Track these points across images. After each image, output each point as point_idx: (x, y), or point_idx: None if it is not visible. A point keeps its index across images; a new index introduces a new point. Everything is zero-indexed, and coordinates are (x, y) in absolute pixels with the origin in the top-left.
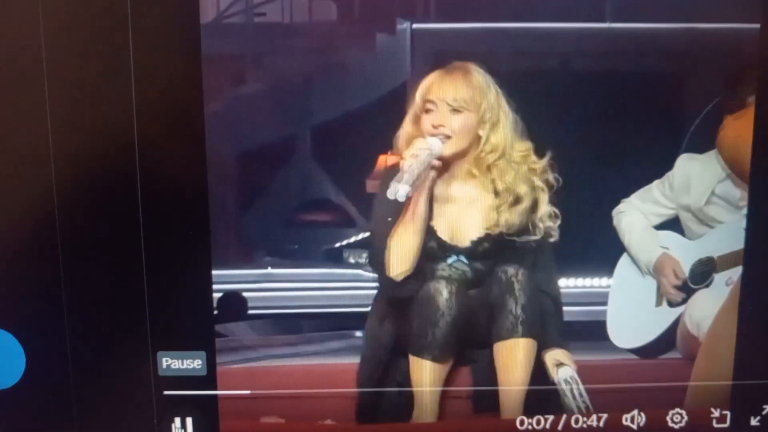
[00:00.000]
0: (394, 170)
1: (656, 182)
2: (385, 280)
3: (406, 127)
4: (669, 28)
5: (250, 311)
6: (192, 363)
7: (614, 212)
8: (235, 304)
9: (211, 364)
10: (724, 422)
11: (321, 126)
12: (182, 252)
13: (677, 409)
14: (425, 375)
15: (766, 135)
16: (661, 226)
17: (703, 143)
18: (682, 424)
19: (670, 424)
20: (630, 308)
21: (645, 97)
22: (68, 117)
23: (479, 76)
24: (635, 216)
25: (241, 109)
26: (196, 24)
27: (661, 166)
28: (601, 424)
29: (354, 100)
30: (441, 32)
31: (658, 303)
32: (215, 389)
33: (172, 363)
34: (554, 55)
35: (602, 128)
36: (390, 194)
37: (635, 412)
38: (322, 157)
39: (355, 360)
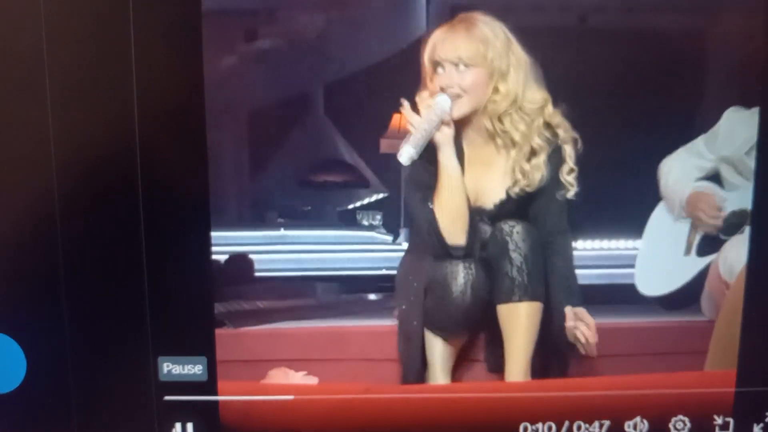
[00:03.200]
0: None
1: (702, 136)
2: (444, 249)
3: (423, 91)
4: None
5: (263, 273)
6: (193, 368)
7: (662, 163)
8: (241, 265)
9: (211, 369)
10: (727, 429)
11: (333, 84)
12: (183, 257)
13: (680, 416)
14: (437, 348)
15: None
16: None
17: (751, 98)
18: (685, 431)
19: (672, 431)
20: (659, 255)
21: (694, 53)
22: (70, 110)
23: (484, 26)
24: (677, 163)
25: (250, 68)
26: None
27: (707, 120)
28: (603, 431)
29: (367, 56)
30: None
31: (687, 252)
32: (216, 394)
33: (172, 368)
34: (582, 10)
35: (645, 87)
36: (400, 158)
37: (638, 419)
38: (335, 116)
39: (367, 323)
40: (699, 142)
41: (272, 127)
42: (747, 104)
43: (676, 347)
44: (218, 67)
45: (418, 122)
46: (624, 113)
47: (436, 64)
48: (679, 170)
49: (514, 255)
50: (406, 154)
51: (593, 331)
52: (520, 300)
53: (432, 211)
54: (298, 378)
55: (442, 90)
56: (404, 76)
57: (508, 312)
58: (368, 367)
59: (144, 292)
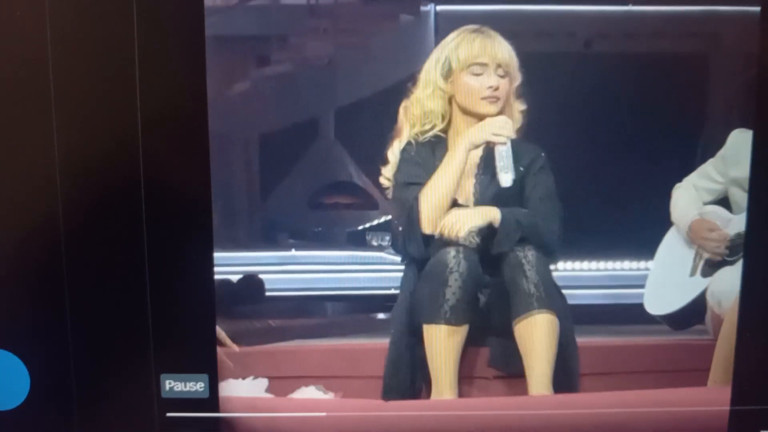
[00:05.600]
0: None
1: (711, 159)
2: (418, 240)
3: (437, 83)
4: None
5: (274, 293)
6: (195, 386)
7: (674, 188)
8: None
9: (213, 386)
10: None
11: (344, 108)
12: (186, 277)
13: None
14: (440, 342)
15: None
16: (711, 203)
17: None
18: None
19: None
20: (667, 275)
21: (695, 79)
22: (74, 125)
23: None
24: (687, 189)
25: (260, 92)
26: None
27: (715, 144)
28: None
29: (377, 82)
30: (464, 14)
31: (693, 272)
32: (217, 411)
33: (175, 385)
34: (582, 37)
35: (648, 110)
36: (505, 183)
37: None
38: (345, 139)
39: (375, 341)
40: (708, 166)
41: (283, 150)
42: (751, 125)
43: (679, 365)
44: (228, 91)
45: (504, 138)
46: (633, 140)
47: (476, 66)
48: (688, 196)
49: (529, 272)
50: (509, 179)
51: None
52: (538, 310)
53: (416, 201)
54: (315, 392)
55: (490, 89)
56: None
57: (525, 325)
58: (376, 384)
59: (147, 311)
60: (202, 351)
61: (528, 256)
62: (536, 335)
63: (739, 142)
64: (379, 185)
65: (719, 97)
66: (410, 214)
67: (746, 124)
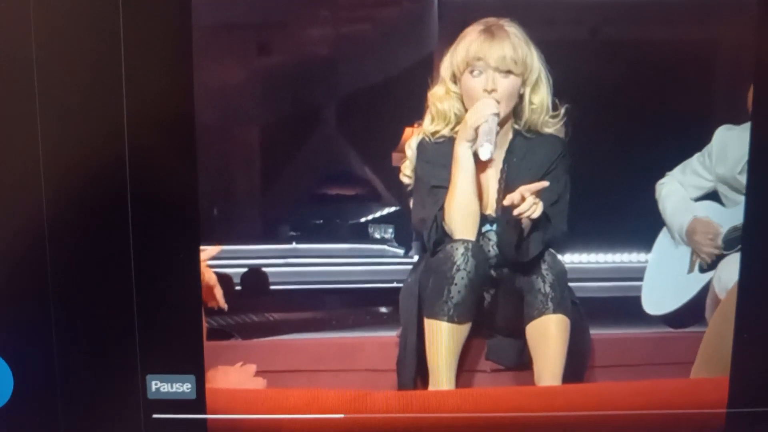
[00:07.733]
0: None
1: (696, 155)
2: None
3: (447, 85)
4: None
5: (274, 286)
6: (181, 387)
7: (657, 184)
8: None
9: (200, 387)
10: None
11: (346, 98)
12: (173, 276)
13: None
14: (441, 338)
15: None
16: (700, 198)
17: (740, 114)
18: None
19: None
20: (664, 275)
21: (683, 71)
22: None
23: (521, 36)
24: (674, 186)
25: (262, 83)
26: None
27: (700, 139)
28: None
29: (379, 71)
30: (468, 1)
31: (690, 269)
32: (204, 413)
33: (161, 386)
34: (585, 25)
35: (638, 102)
36: (483, 154)
37: None
38: (347, 130)
39: (377, 334)
40: (695, 162)
41: (284, 142)
42: (737, 121)
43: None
44: (226, 82)
45: (485, 125)
46: (620, 130)
47: (475, 63)
48: (677, 197)
49: (546, 273)
50: (488, 150)
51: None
52: (553, 312)
53: (441, 207)
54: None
55: (486, 92)
56: (415, 91)
57: (539, 326)
58: (378, 377)
59: (133, 310)
60: (188, 351)
61: (546, 256)
62: (548, 336)
63: (725, 138)
64: (381, 177)
65: (707, 91)
66: (437, 219)
67: (733, 119)
